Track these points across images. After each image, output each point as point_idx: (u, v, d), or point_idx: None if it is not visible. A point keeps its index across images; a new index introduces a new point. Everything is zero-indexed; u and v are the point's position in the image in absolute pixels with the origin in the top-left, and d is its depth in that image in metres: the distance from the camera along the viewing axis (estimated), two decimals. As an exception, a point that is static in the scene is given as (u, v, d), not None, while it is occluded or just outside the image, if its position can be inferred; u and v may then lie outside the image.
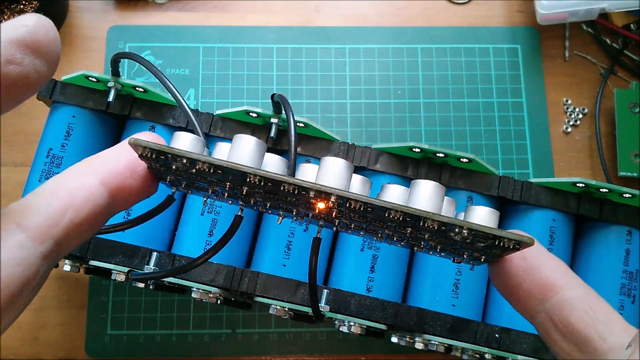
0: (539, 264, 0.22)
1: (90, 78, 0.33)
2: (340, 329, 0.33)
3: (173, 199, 0.23)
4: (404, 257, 0.34)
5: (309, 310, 0.32)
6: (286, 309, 0.32)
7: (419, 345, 0.32)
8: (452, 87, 0.46)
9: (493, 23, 0.47)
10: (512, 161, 0.44)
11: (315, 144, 0.34)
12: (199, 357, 0.41)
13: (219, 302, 0.33)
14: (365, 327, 0.33)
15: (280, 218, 0.22)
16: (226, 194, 0.22)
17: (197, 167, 0.20)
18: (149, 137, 0.20)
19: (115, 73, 0.33)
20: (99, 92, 0.35)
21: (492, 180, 0.34)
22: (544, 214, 0.34)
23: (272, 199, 0.21)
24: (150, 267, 0.32)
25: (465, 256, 0.22)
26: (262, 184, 0.20)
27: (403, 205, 0.20)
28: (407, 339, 0.33)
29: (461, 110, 0.45)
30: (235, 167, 0.19)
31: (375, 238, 0.23)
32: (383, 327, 0.32)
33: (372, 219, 0.21)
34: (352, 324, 0.32)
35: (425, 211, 0.20)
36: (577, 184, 0.33)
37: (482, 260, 0.22)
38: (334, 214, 0.21)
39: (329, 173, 0.21)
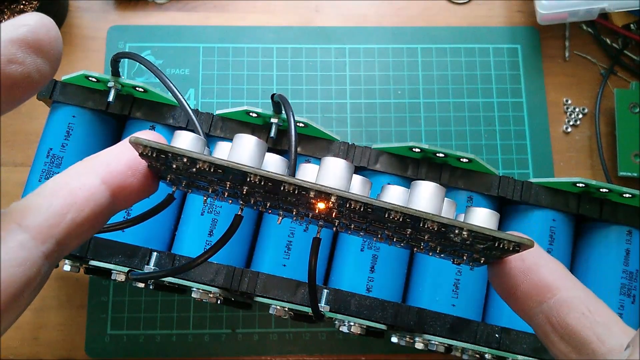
0: (538, 265, 0.21)
1: (90, 78, 0.33)
2: (340, 329, 0.33)
3: (173, 197, 0.23)
4: (404, 257, 0.34)
5: (309, 310, 0.32)
6: (286, 309, 0.32)
7: (419, 345, 0.32)
8: (452, 87, 0.46)
9: (493, 23, 0.47)
10: (512, 161, 0.44)
11: (315, 144, 0.34)
12: (199, 357, 0.41)
13: (219, 302, 0.33)
14: (365, 327, 0.33)
15: (280, 218, 0.23)
16: (226, 194, 0.22)
17: (198, 166, 0.20)
18: (149, 135, 0.20)
19: (115, 73, 0.33)
20: (99, 92, 0.35)
21: (492, 180, 0.34)
22: (544, 214, 0.34)
23: (272, 198, 0.21)
24: (150, 267, 0.32)
25: (465, 257, 0.22)
26: (262, 183, 0.20)
27: (403, 206, 0.20)
28: (407, 339, 0.33)
29: (461, 110, 0.45)
30: (236, 167, 0.19)
31: (375, 239, 0.23)
32: (383, 327, 0.32)
33: (372, 219, 0.21)
34: (352, 324, 0.32)
35: (425, 212, 0.20)
36: (577, 184, 0.33)
37: (482, 261, 0.22)
38: (334, 214, 0.21)
39: (329, 173, 0.21)
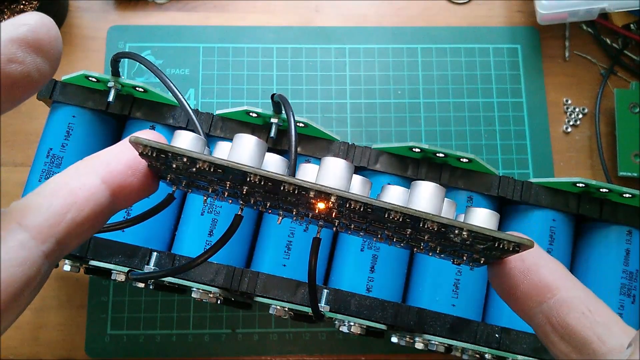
0: (537, 265, 0.21)
1: (90, 78, 0.33)
2: (340, 329, 0.33)
3: (173, 197, 0.23)
4: (404, 257, 0.34)
5: (309, 310, 0.32)
6: (286, 309, 0.32)
7: (419, 345, 0.32)
8: (452, 87, 0.46)
9: (493, 23, 0.47)
10: (512, 161, 0.44)
11: (315, 144, 0.34)
12: (199, 357, 0.41)
13: (219, 302, 0.33)
14: (365, 327, 0.33)
15: (280, 218, 0.22)
16: (226, 193, 0.22)
17: (198, 166, 0.20)
18: (149, 135, 0.20)
19: (115, 73, 0.33)
20: (99, 92, 0.35)
21: (492, 180, 0.34)
22: (544, 214, 0.34)
23: (272, 198, 0.21)
24: (150, 267, 0.32)
25: (464, 258, 0.22)
26: (262, 183, 0.20)
27: (403, 206, 0.20)
28: (407, 339, 0.33)
29: (461, 110, 0.45)
30: (236, 167, 0.19)
31: (375, 239, 0.23)
32: (383, 327, 0.32)
33: (372, 219, 0.21)
34: (352, 324, 0.32)
35: (425, 212, 0.20)
36: (577, 184, 0.33)
37: (482, 262, 0.22)
38: (334, 214, 0.21)
39: (329, 173, 0.21)
